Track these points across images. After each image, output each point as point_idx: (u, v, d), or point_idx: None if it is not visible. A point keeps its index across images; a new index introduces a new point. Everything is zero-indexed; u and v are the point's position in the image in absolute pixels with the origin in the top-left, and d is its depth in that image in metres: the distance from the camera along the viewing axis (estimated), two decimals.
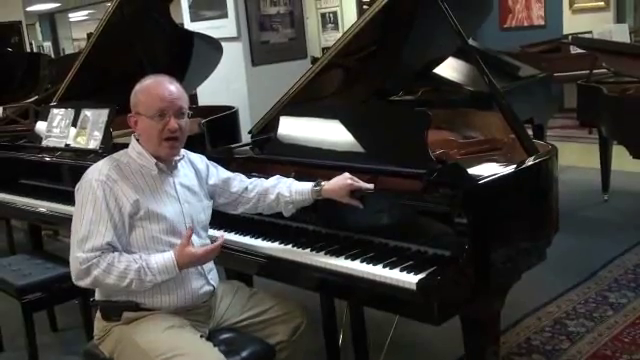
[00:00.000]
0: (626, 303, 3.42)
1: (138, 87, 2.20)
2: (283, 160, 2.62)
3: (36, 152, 3.80)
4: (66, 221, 3.40)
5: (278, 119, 2.78)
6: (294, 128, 2.69)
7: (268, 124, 3.04)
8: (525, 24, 8.86)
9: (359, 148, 2.45)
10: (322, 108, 2.81)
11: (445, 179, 2.11)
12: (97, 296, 2.23)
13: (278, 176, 2.41)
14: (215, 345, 2.14)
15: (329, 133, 2.55)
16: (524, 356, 2.98)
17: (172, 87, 2.18)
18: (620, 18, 8.21)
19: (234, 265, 2.62)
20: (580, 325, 3.22)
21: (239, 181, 2.43)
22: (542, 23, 8.80)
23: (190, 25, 5.24)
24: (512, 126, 2.45)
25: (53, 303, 3.32)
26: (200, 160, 2.41)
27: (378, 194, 2.22)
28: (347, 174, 2.24)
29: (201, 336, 2.17)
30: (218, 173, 2.42)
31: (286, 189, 2.34)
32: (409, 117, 2.42)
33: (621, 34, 7.22)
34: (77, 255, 2.06)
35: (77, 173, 3.48)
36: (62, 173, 3.61)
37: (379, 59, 3.22)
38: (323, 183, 2.28)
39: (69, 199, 3.35)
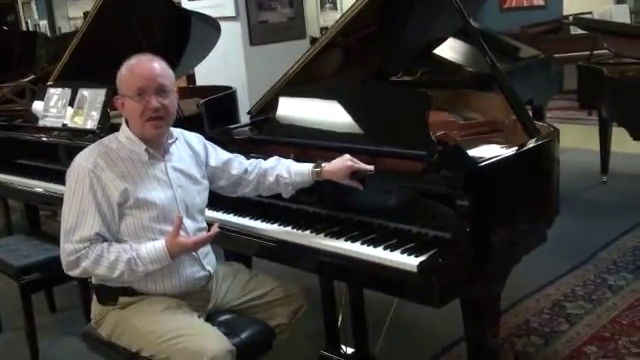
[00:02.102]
0: (625, 285, 3.43)
1: (122, 67, 2.14)
2: (282, 141, 2.60)
3: (33, 132, 3.77)
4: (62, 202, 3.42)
5: (277, 100, 2.76)
6: (293, 109, 2.66)
7: (267, 104, 3.02)
8: (525, 4, 8.79)
9: (359, 129, 2.42)
10: (321, 89, 2.78)
11: (446, 161, 2.10)
12: (93, 280, 2.21)
13: (277, 157, 2.39)
14: (214, 326, 2.12)
15: (329, 114, 2.52)
16: (523, 337, 2.98)
17: (153, 64, 2.11)
18: None
19: (233, 247, 2.62)
20: (579, 307, 3.22)
21: (239, 162, 2.39)
22: (542, 3, 8.74)
23: (187, 4, 5.18)
24: (514, 108, 2.42)
25: (52, 284, 3.30)
26: (197, 140, 2.36)
27: (379, 175, 2.20)
28: (347, 155, 2.22)
29: (199, 316, 2.16)
30: (217, 154, 2.38)
31: (285, 170, 2.31)
32: (410, 98, 2.39)
33: (621, 15, 7.22)
34: (65, 246, 2.04)
35: (74, 153, 3.48)
36: (59, 153, 3.59)
37: (379, 39, 3.19)
38: (323, 164, 2.26)
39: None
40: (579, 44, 7.08)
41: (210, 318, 2.23)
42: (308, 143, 2.52)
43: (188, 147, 2.31)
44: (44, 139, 3.66)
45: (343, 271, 2.20)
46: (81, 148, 3.31)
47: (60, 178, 3.38)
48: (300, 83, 2.90)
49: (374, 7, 2.85)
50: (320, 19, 11.38)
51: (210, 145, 2.39)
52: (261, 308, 2.31)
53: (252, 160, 2.41)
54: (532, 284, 3.45)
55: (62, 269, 3.03)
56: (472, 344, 2.25)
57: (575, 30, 7.41)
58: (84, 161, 2.10)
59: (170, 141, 2.22)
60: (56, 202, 3.51)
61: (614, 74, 4.43)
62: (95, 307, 2.23)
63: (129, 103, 2.11)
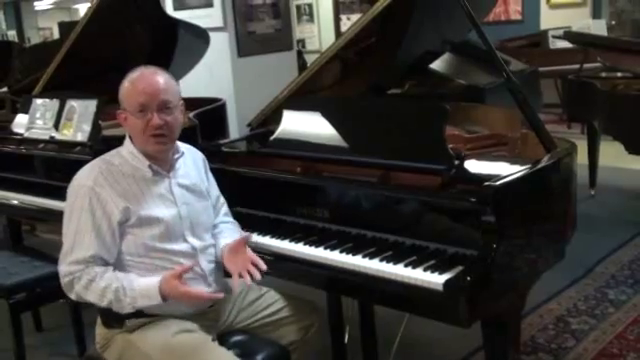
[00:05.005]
0: (626, 300, 3.40)
1: (124, 80, 2.05)
2: (292, 155, 2.51)
3: (17, 144, 3.63)
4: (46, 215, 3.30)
5: (280, 113, 2.68)
6: (300, 121, 2.58)
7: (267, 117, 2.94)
8: (502, 19, 8.85)
9: (373, 143, 2.34)
10: (330, 101, 2.72)
11: (470, 175, 2.04)
12: None
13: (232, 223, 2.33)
14: (228, 349, 2.03)
15: (338, 127, 2.45)
16: (531, 355, 2.93)
17: (156, 78, 2.02)
18: (596, 14, 8.28)
19: None
20: (583, 322, 3.19)
21: (217, 211, 2.31)
22: (519, 18, 8.81)
23: (173, 14, 5.06)
24: (531, 121, 2.36)
25: (42, 303, 3.15)
26: (202, 163, 2.29)
27: (394, 190, 2.14)
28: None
29: (212, 339, 2.06)
30: (212, 188, 2.30)
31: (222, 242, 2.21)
32: (426, 111, 2.33)
33: (600, 29, 7.30)
34: (61, 268, 1.97)
35: (63, 166, 3.36)
36: (47, 166, 3.45)
37: (380, 51, 3.14)
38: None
39: (52, 193, 3.22)
40: (558, 58, 7.16)
41: (221, 339, 2.13)
42: (319, 157, 2.44)
43: (193, 162, 2.24)
44: (31, 152, 3.51)
45: (358, 288, 2.13)
46: (70, 161, 3.21)
47: (46, 191, 3.31)
48: (301, 95, 2.83)
49: (377, 21, 2.80)
50: (297, 31, 11.32)
51: (210, 174, 2.32)
52: (272, 327, 2.23)
53: (221, 217, 2.33)
54: (533, 299, 3.39)
55: (52, 287, 2.95)
56: None
57: (555, 44, 7.48)
58: (84, 178, 2.01)
59: (176, 156, 2.15)
60: (43, 216, 3.40)
61: (606, 88, 4.42)
62: (100, 330, 2.12)
63: (130, 119, 2.03)
